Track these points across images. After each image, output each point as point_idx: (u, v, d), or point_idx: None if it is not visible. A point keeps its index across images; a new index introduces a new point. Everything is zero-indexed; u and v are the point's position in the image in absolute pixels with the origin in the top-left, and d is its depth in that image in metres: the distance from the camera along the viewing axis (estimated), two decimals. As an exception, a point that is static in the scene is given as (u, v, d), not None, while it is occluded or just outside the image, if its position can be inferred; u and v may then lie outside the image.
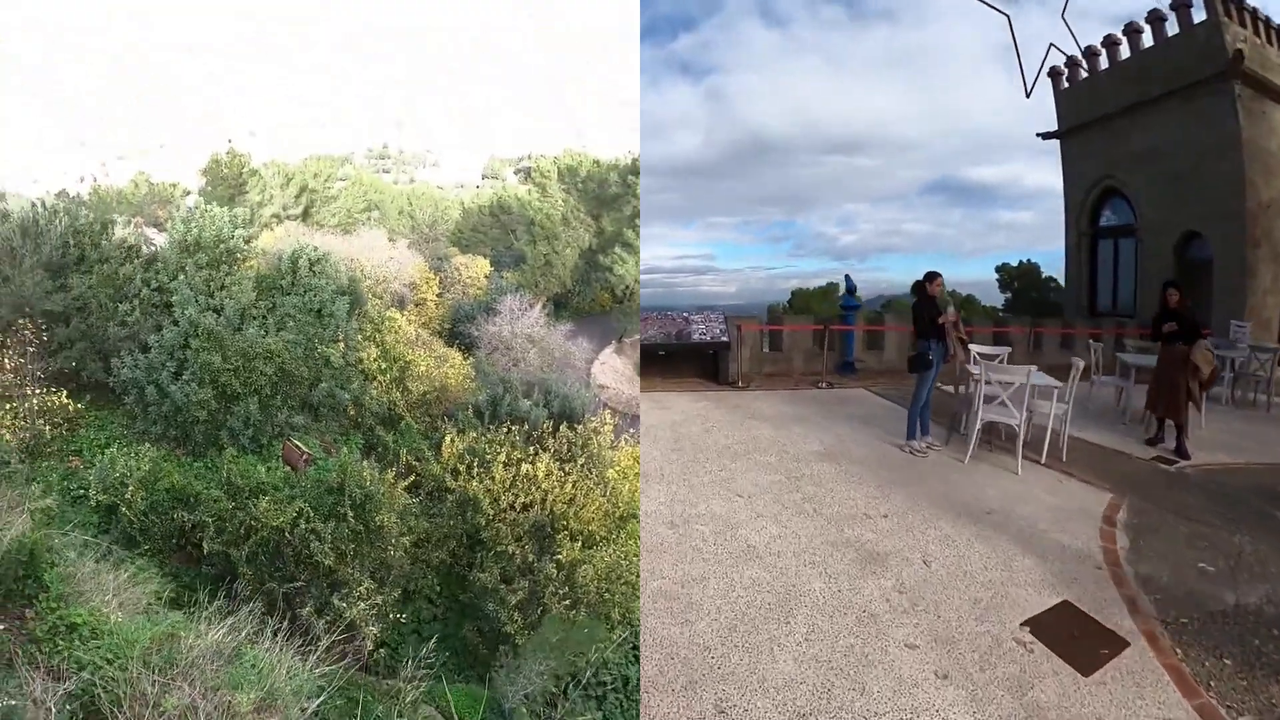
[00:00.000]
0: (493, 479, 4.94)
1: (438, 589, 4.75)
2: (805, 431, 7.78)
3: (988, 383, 6.72)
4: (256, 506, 3.85)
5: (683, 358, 10.83)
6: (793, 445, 7.23)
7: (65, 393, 4.60)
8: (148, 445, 4.57)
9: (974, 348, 7.66)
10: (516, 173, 34.78)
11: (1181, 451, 7.31)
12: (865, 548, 4.85)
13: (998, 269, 44.85)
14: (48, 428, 4.44)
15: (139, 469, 4.06)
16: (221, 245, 5.74)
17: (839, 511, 5.46)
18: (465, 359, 7.92)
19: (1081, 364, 7.58)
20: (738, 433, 7.66)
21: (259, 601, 3.34)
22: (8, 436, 4.12)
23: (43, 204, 5.60)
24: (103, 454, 4.33)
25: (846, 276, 11.72)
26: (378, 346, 6.58)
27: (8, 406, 4.27)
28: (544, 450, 5.34)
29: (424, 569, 4.58)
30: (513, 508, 4.95)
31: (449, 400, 6.78)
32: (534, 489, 5.01)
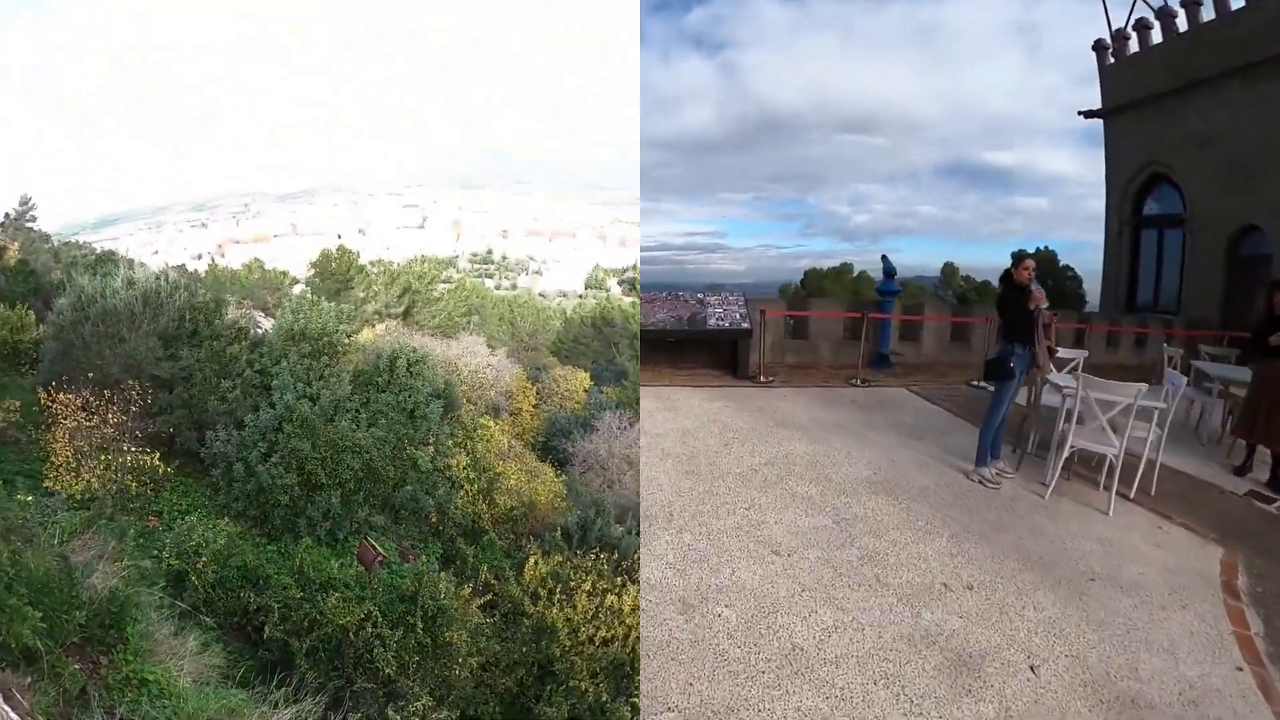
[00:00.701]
0: (574, 608, 4.67)
1: (499, 718, 4.41)
2: (847, 447, 6.46)
3: (1083, 400, 5.44)
4: (325, 601, 3.82)
5: (694, 346, 9.49)
6: (835, 467, 5.91)
7: (158, 454, 4.78)
8: (226, 520, 4.64)
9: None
10: (621, 283, 35.96)
11: (1277, 485, 6.15)
12: (952, 645, 3.56)
13: (1013, 255, 43.88)
14: (134, 484, 4.60)
15: (215, 541, 4.12)
16: (325, 337, 5.91)
17: (910, 580, 4.14)
18: (557, 476, 7.52)
19: (1183, 380, 6.31)
20: (765, 447, 6.33)
21: (323, 696, 3.32)
22: (96, 485, 4.33)
23: (166, 277, 5.85)
24: (182, 520, 4.49)
25: (884, 257, 10.34)
26: (468, 454, 6.44)
27: (103, 458, 4.47)
28: (632, 583, 4.84)
29: (488, 694, 4.31)
30: (592, 641, 4.58)
31: (537, 518, 6.44)
32: (617, 623, 4.63)
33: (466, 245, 41.26)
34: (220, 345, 5.54)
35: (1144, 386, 5.43)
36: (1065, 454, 5.62)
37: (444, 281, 16.97)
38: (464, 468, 6.17)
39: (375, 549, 5.00)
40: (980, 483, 5.75)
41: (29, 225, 13.82)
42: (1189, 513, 5.62)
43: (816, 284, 38.53)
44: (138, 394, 4.90)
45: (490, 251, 40.68)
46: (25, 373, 5.79)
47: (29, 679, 1.93)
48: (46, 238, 14.01)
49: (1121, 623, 3.90)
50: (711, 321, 9.21)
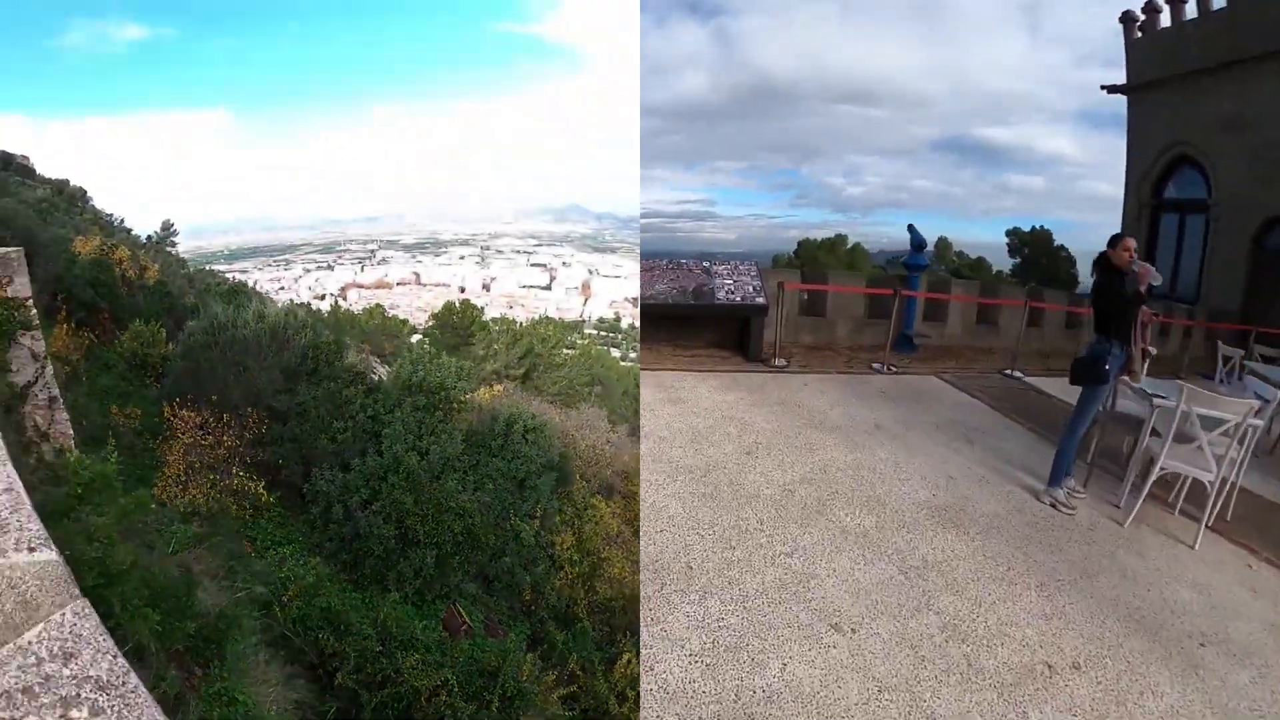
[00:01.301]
0: (661, 716, 4.07)
1: (556, 816, 4.08)
2: (895, 457, 5.51)
3: (1182, 415, 4.57)
4: (403, 659, 3.68)
5: (699, 322, 8.44)
6: (886, 486, 4.95)
7: (262, 483, 4.78)
8: (318, 559, 4.59)
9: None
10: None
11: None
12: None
13: (1008, 233, 42.93)
14: (235, 507, 4.61)
15: (304, 578, 4.02)
16: (442, 392, 5.78)
17: (1007, 660, 3.19)
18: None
19: (1277, 394, 5.49)
20: (797, 457, 5.33)
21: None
22: (200, 501, 4.37)
23: (294, 315, 6.08)
24: (275, 550, 4.53)
25: (911, 228, 9.29)
26: (574, 534, 6.13)
27: (211, 477, 4.55)
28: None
29: (550, 788, 4.00)
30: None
31: (636, 614, 5.20)
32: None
33: (594, 310, 39.39)
34: (337, 386, 5.54)
35: (1255, 403, 4.58)
36: (1154, 476, 4.77)
37: (568, 347, 15.98)
38: (568, 548, 5.91)
39: (462, 616, 4.86)
40: (1053, 506, 4.88)
41: (169, 249, 14.61)
42: (1269, 542, 4.92)
43: (810, 255, 37.64)
44: (253, 421, 5.03)
45: (618, 318, 38.11)
46: (150, 384, 5.97)
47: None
48: (183, 263, 14.72)
49: (1248, 707, 3.13)
50: (721, 294, 8.16)
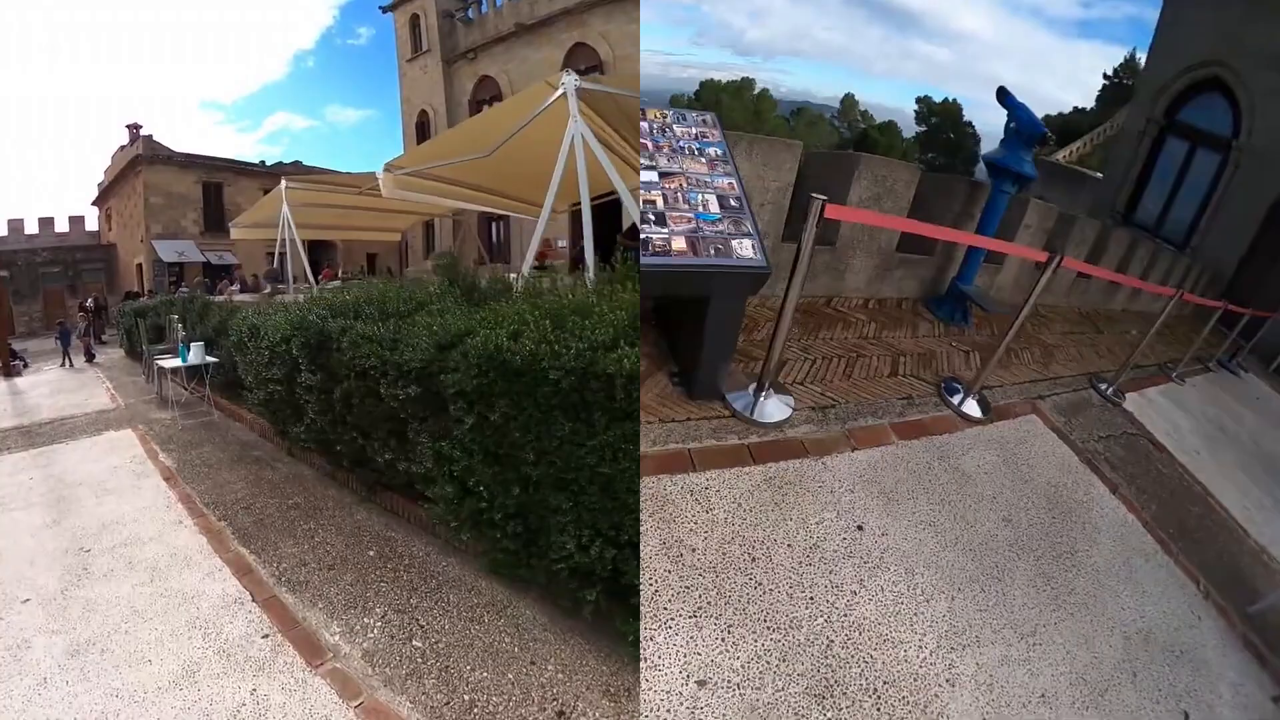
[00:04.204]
0: None
1: None
2: None
3: None
4: None
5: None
6: None
7: None
8: None
9: None
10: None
11: None
12: None
13: (919, 100, 39.42)
14: None
15: None
16: None
17: None
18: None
19: None
20: None
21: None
22: None
23: None
24: None
25: (1004, 94, 4.85)
26: None
27: None
28: None
29: None
30: None
31: None
32: None
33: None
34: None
35: None
36: None
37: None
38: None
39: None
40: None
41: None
42: None
43: (713, 98, 31.78)
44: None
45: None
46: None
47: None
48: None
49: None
50: (740, 250, 2.92)
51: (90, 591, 3.06)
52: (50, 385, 9.56)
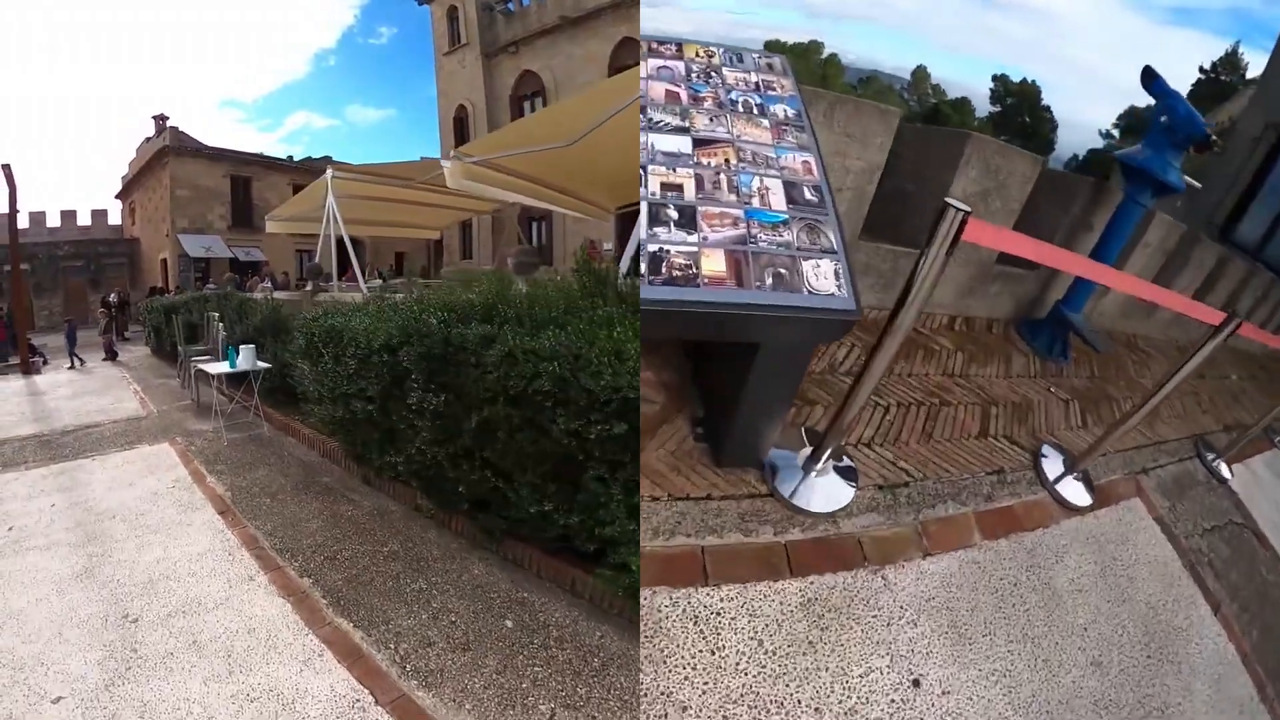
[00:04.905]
0: None
1: None
2: None
3: None
4: None
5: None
6: None
7: None
8: None
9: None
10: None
11: None
12: None
13: (995, 78, 38.05)
14: None
15: None
16: None
17: None
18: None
19: None
20: None
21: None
22: None
23: None
24: None
25: (1150, 74, 3.91)
26: None
27: None
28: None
29: None
30: None
31: None
32: None
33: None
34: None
35: None
36: None
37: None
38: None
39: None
40: None
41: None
42: None
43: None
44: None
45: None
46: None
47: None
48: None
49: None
50: (816, 278, 1.82)
51: (145, 689, 2.23)
52: (72, 386, 8.81)
